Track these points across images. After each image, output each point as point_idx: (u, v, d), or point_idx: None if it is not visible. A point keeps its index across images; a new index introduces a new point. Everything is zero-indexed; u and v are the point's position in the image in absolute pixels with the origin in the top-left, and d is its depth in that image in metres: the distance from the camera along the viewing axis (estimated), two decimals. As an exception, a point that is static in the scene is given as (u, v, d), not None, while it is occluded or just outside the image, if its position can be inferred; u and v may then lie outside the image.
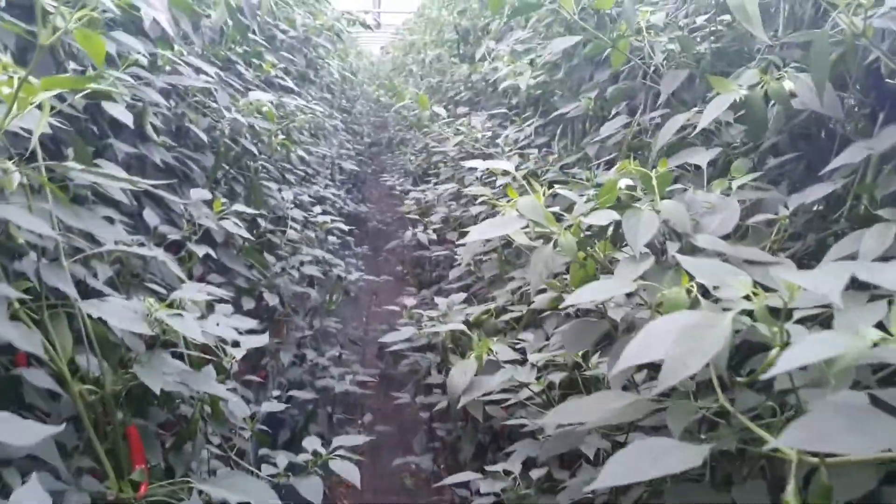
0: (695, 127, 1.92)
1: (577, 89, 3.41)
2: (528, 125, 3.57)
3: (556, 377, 1.86)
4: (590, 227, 1.38)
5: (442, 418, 3.85)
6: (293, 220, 3.61)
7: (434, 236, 4.57)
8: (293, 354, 3.44)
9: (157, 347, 1.59)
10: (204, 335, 1.68)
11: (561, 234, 1.31)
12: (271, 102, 3.48)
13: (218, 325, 1.96)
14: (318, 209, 3.88)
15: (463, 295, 3.08)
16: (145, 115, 2.29)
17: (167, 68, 2.44)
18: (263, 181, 3.46)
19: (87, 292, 1.95)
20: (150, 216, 2.24)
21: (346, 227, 3.74)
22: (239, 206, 2.43)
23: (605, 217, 1.29)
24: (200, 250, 2.21)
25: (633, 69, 2.97)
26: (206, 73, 2.46)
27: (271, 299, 3.12)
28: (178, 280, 2.25)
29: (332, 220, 3.79)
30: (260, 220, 3.22)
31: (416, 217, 4.94)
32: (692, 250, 1.28)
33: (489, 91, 5.17)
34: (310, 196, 4.58)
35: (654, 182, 1.38)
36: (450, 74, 6.26)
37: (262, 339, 2.03)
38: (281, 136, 3.14)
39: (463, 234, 4.74)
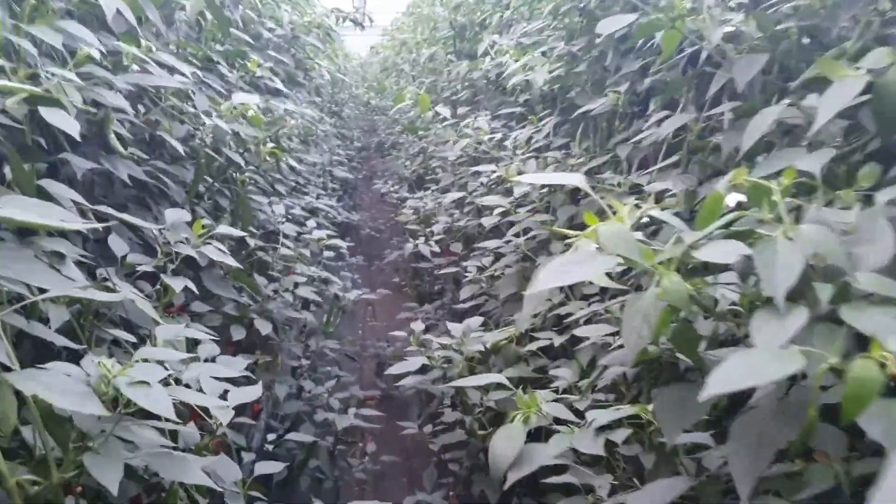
0: (777, 124, 1.58)
1: (602, 83, 3.05)
2: (545, 124, 3.21)
3: (619, 436, 1.49)
4: (690, 263, 1.02)
5: (453, 448, 3.50)
6: (285, 235, 3.25)
7: (436, 248, 4.21)
8: (289, 385, 3.07)
9: (118, 418, 1.22)
10: (184, 397, 1.32)
11: (663, 274, 0.95)
12: (258, 106, 3.12)
13: (198, 383, 1.61)
14: (311, 223, 3.51)
15: (480, 319, 2.72)
16: (108, 122, 1.92)
17: (135, 68, 2.07)
18: (252, 194, 3.10)
19: (35, 345, 1.59)
20: (117, 243, 1.88)
21: (343, 244, 3.38)
22: (224, 228, 2.07)
23: (726, 252, 0.93)
24: (178, 283, 1.84)
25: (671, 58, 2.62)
26: (182, 73, 2.09)
27: (263, 327, 2.75)
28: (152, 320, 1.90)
29: (329, 236, 3.43)
30: (248, 239, 2.85)
31: (415, 227, 4.57)
32: (846, 293, 0.92)
33: (492, 89, 4.81)
34: (302, 208, 4.22)
35: (779, 198, 1.02)
36: (446, 73, 5.89)
37: (254, 392, 1.67)
38: (270, 144, 2.78)
39: (469, 247, 4.38)
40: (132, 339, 1.63)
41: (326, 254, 3.49)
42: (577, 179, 1.10)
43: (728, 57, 1.83)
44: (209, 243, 1.96)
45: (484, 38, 4.55)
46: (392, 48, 11.09)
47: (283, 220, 3.30)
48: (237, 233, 2.10)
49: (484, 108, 4.76)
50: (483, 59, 4.52)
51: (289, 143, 4.40)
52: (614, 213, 1.05)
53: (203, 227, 1.99)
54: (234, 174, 2.82)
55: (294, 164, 4.28)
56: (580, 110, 2.83)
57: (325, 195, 5.49)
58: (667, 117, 2.45)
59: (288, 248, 3.08)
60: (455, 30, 5.81)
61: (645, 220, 1.46)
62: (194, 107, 2.35)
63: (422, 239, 4.26)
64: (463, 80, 5.42)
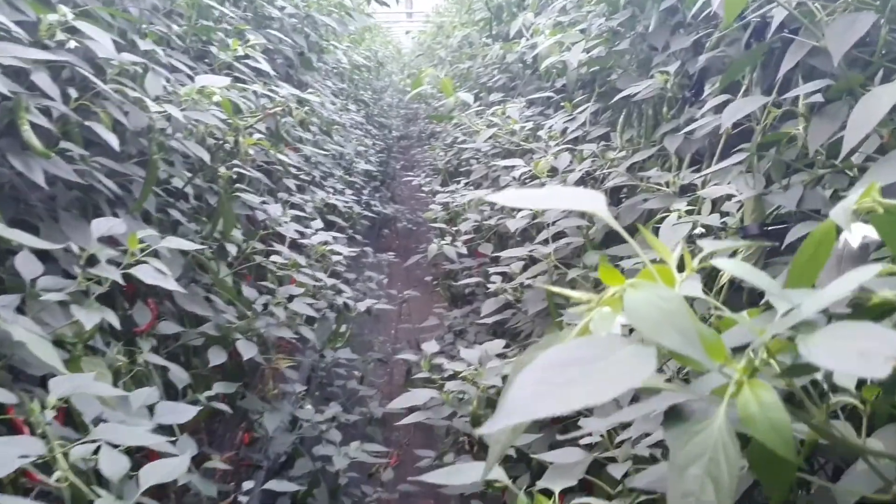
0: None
1: (647, 63, 2.59)
2: (581, 111, 2.76)
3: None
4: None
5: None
6: (283, 239, 2.84)
7: (463, 249, 3.77)
8: (287, 415, 2.67)
9: None
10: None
11: (744, 385, 0.52)
12: (254, 92, 2.72)
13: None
14: (317, 224, 3.10)
15: (500, 343, 2.28)
16: (19, 111, 1.53)
17: (72, 44, 1.67)
18: (244, 191, 2.70)
19: None
20: (27, 263, 1.48)
21: (345, 250, 2.94)
22: (171, 240, 1.66)
23: (866, 357, 0.48)
24: (90, 317, 1.43)
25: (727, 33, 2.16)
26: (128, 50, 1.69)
27: (247, 350, 2.35)
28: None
29: (336, 238, 3.01)
30: (229, 246, 2.46)
31: (443, 225, 4.14)
32: None
33: (527, 73, 4.35)
34: (315, 205, 3.82)
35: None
36: (481, 58, 5.44)
37: (175, 469, 1.26)
38: (256, 135, 2.37)
39: (502, 247, 3.94)
40: (12, 399, 1.23)
41: (336, 258, 3.06)
42: (590, 202, 0.65)
43: (816, 20, 1.37)
44: (145, 261, 1.55)
45: (520, 17, 4.09)
46: (430, 34, 10.66)
47: (286, 219, 2.90)
48: (187, 245, 1.69)
49: (520, 95, 4.31)
50: (517, 41, 4.06)
51: (303, 133, 4.00)
52: (655, 261, 0.61)
53: (141, 240, 1.59)
54: (221, 170, 2.42)
55: (307, 154, 3.89)
56: (621, 94, 2.37)
57: (350, 189, 5.09)
58: (726, 102, 2.00)
59: (283, 253, 2.68)
60: (491, 10, 5.35)
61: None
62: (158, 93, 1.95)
63: (448, 238, 3.83)
64: (499, 65, 4.98)
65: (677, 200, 2.07)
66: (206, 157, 1.92)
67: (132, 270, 1.51)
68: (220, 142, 2.24)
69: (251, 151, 2.27)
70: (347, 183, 5.15)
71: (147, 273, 1.52)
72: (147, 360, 1.87)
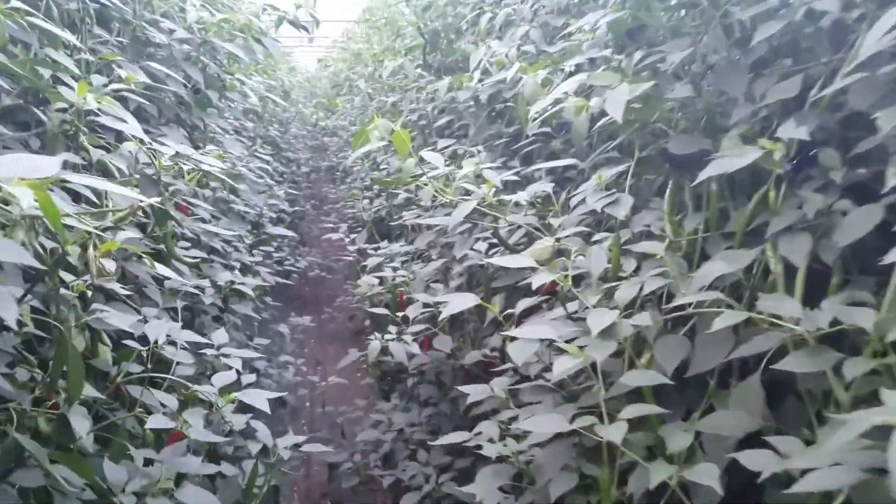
0: None
1: (712, 119, 1.77)
2: (619, 191, 1.90)
3: None
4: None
5: None
6: (179, 368, 1.91)
7: (415, 346, 2.88)
8: None
9: None
10: None
11: None
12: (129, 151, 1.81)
13: None
14: (220, 334, 2.16)
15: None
16: None
17: None
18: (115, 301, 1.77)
19: None
20: None
21: (266, 404, 1.97)
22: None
23: None
24: None
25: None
26: None
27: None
28: None
29: (244, 357, 2.08)
30: (78, 424, 1.52)
31: (384, 311, 3.23)
32: None
33: (482, 115, 3.51)
34: (219, 284, 2.89)
35: None
36: (415, 91, 4.59)
37: None
38: (121, 234, 1.45)
39: (455, 333, 3.09)
40: None
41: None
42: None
43: None
44: None
45: (477, 46, 3.25)
46: (344, 61, 9.76)
47: (171, 342, 1.95)
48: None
49: (473, 141, 3.47)
50: (471, 76, 3.21)
51: (199, 190, 3.07)
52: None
53: None
54: (58, 287, 1.49)
55: (201, 219, 2.94)
56: (706, 173, 1.51)
57: (259, 248, 4.14)
58: None
59: (169, 406, 1.75)
60: (425, 37, 4.50)
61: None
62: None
63: (393, 330, 2.94)
64: (434, 99, 4.12)
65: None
66: (13, 315, 0.99)
67: None
68: (59, 255, 1.32)
69: (111, 267, 1.35)
70: (257, 244, 4.21)
71: None
72: None
